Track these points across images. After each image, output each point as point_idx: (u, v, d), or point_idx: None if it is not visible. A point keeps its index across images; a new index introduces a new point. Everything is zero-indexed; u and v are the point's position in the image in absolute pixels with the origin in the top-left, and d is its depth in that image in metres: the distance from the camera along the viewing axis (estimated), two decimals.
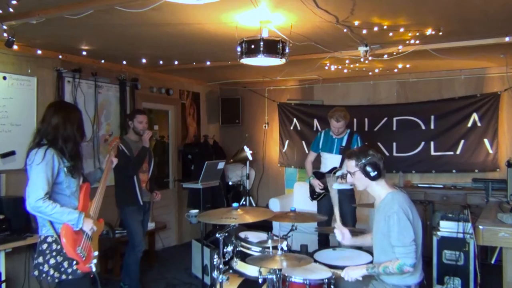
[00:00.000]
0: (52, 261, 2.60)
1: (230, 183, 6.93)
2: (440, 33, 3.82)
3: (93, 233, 2.78)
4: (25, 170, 2.65)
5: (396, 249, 2.49)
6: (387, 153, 6.07)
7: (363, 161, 2.62)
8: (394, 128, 6.17)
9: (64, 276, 2.61)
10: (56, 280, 2.62)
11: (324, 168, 4.69)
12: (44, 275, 2.61)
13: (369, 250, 3.40)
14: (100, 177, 3.08)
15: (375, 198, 2.76)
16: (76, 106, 2.91)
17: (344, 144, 4.59)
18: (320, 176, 4.66)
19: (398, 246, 2.48)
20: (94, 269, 2.71)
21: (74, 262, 2.62)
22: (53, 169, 2.60)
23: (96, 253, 2.79)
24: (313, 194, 4.75)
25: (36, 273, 2.65)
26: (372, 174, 2.60)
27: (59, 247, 2.62)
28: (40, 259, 2.63)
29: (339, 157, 4.57)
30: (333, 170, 4.58)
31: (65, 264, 2.62)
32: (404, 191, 2.72)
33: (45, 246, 2.64)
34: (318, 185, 4.60)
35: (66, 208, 2.61)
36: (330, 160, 4.65)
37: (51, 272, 2.60)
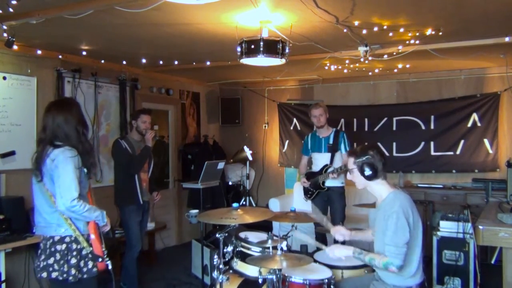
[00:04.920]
0: (73, 260, 2.61)
1: (230, 183, 6.93)
2: (440, 33, 3.82)
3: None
4: (40, 170, 2.63)
5: (387, 247, 2.49)
6: (387, 153, 6.06)
7: (361, 159, 2.63)
8: (394, 128, 6.17)
9: (80, 275, 2.64)
10: (77, 279, 2.63)
11: (316, 167, 4.76)
12: (64, 275, 2.59)
13: (370, 250, 3.40)
14: None
15: (376, 198, 2.76)
16: (72, 99, 2.89)
17: (331, 142, 4.67)
18: (310, 175, 4.73)
19: (390, 245, 2.48)
20: (110, 266, 2.75)
21: (100, 259, 2.66)
22: (79, 169, 2.64)
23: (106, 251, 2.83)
24: (306, 194, 4.81)
25: (44, 274, 2.62)
26: (367, 173, 2.60)
27: (79, 246, 2.64)
28: (51, 260, 2.60)
29: (328, 155, 4.65)
30: (324, 167, 4.64)
31: (81, 263, 2.65)
32: (406, 191, 2.72)
33: (63, 246, 2.62)
34: (303, 181, 4.71)
35: (91, 206, 2.68)
36: (320, 159, 4.73)
37: (73, 271, 2.60)
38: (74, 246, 2.64)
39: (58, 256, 2.62)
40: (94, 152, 2.84)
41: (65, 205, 2.54)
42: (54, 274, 2.61)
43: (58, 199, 2.56)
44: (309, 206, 5.08)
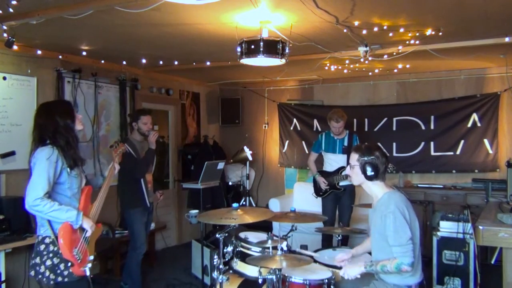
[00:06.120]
0: (48, 262, 2.58)
1: (230, 183, 6.93)
2: (440, 33, 3.82)
3: (91, 237, 2.75)
4: (30, 169, 2.64)
5: (393, 248, 2.49)
6: (387, 154, 6.05)
7: (366, 158, 2.64)
8: (394, 128, 6.17)
9: (60, 279, 2.58)
10: (52, 282, 2.59)
11: (329, 167, 4.86)
12: (40, 276, 2.59)
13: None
14: (101, 184, 3.06)
15: (372, 198, 2.77)
16: (62, 100, 2.88)
17: (346, 144, 4.79)
18: (325, 175, 4.83)
19: (395, 245, 2.48)
20: (88, 273, 2.67)
21: (69, 264, 2.58)
22: (56, 168, 2.59)
23: (92, 257, 2.75)
24: (319, 191, 4.89)
25: (32, 273, 2.63)
26: (369, 173, 2.62)
27: (56, 248, 2.59)
28: (37, 260, 2.61)
29: (344, 156, 4.76)
30: (340, 169, 4.75)
31: (62, 266, 2.59)
32: (401, 191, 2.72)
33: (42, 247, 2.62)
34: (323, 182, 4.79)
35: (64, 206, 2.58)
36: (334, 160, 4.84)
37: (47, 273, 2.57)
38: (51, 247, 2.60)
39: (40, 255, 2.61)
40: (77, 144, 2.76)
41: (28, 203, 2.51)
42: (37, 274, 2.61)
43: (25, 197, 2.53)
44: (310, 206, 5.12)
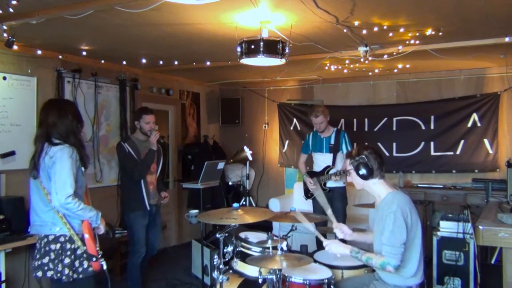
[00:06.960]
0: (66, 260, 2.63)
1: (230, 183, 6.93)
2: (440, 33, 3.82)
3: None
4: (38, 167, 2.66)
5: (384, 247, 2.49)
6: (387, 153, 6.08)
7: (355, 160, 2.68)
8: (394, 128, 6.17)
9: (75, 275, 2.65)
10: (71, 279, 2.64)
11: (317, 167, 4.80)
12: (58, 274, 2.61)
13: (369, 250, 3.40)
14: None
15: (375, 198, 2.76)
16: (67, 99, 2.96)
17: (332, 142, 4.70)
18: (312, 175, 4.78)
19: (387, 245, 2.48)
20: (105, 267, 2.75)
21: (94, 259, 2.66)
22: (76, 168, 2.66)
23: (101, 252, 2.82)
24: (307, 193, 4.86)
25: (39, 273, 2.64)
26: (361, 172, 2.65)
27: (73, 246, 2.65)
28: (45, 260, 2.62)
29: (330, 155, 4.69)
30: (327, 168, 4.68)
31: (77, 263, 2.66)
32: (405, 192, 2.72)
33: (57, 246, 2.64)
34: (309, 182, 4.73)
35: (87, 205, 2.69)
36: (321, 159, 4.77)
37: (66, 271, 2.61)
38: (68, 245, 2.65)
39: (52, 255, 2.63)
40: (84, 145, 2.88)
41: (59, 201, 2.55)
42: (49, 273, 2.63)
43: (53, 195, 2.57)
44: (310, 206, 5.10)
